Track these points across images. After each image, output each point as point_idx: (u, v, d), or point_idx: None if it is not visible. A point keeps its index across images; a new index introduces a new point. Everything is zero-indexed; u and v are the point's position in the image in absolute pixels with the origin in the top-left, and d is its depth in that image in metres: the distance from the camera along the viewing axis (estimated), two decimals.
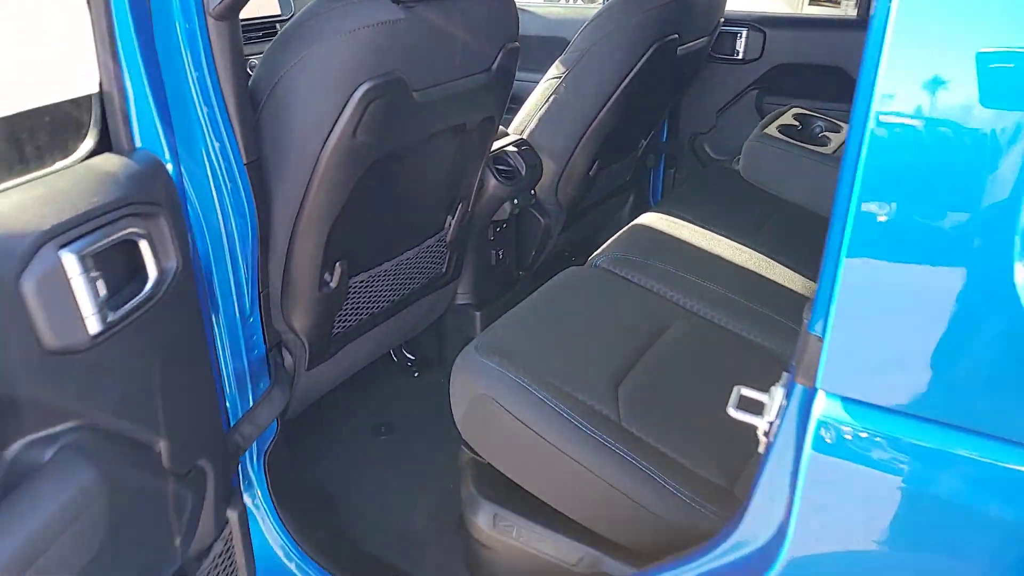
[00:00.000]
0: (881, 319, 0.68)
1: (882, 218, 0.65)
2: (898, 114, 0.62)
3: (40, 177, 0.91)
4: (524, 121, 2.27)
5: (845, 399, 0.72)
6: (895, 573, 0.75)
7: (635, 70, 2.13)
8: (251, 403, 1.38)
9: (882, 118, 0.63)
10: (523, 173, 2.12)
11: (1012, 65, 0.56)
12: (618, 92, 2.15)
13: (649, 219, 2.14)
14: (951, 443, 0.68)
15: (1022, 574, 0.67)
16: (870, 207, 0.65)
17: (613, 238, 2.04)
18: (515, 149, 2.14)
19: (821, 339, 0.71)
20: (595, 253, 1.96)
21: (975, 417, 0.67)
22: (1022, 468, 0.66)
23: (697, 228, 2.09)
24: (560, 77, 2.18)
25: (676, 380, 1.51)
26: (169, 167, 1.07)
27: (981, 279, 0.62)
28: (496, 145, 2.08)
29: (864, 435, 0.71)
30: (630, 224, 2.14)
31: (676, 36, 2.19)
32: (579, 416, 1.33)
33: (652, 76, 2.20)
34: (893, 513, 0.72)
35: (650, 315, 1.69)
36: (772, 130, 2.39)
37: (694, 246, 2.02)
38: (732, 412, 0.89)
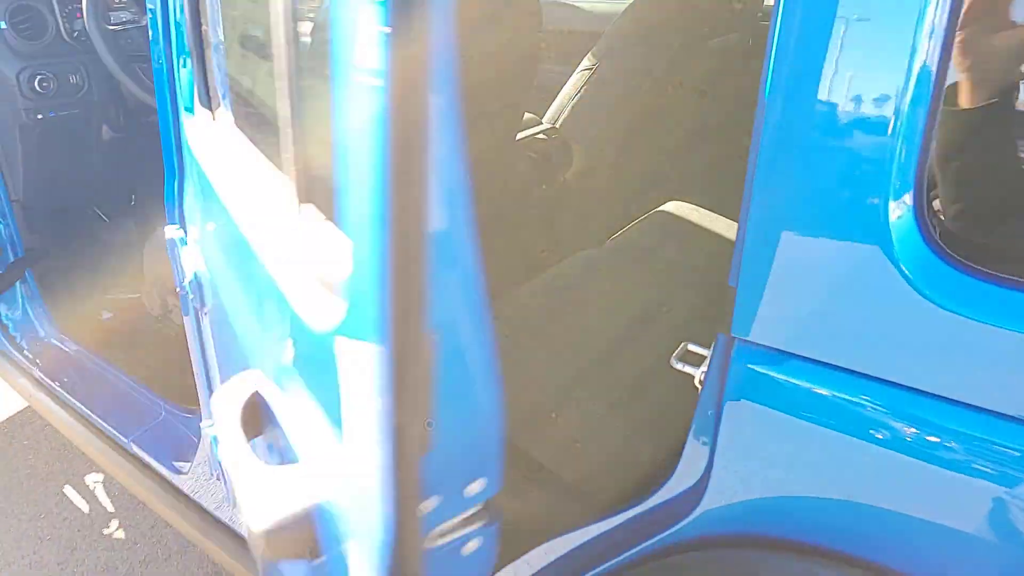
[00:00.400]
0: (780, 271, 0.75)
1: (775, 187, 0.72)
2: (785, 100, 0.70)
3: None
4: (557, 111, 2.36)
5: (755, 345, 0.80)
6: (808, 514, 0.81)
7: (664, 61, 2.19)
8: None
9: (771, 105, 0.71)
10: (553, 160, 2.21)
11: None
12: (648, 83, 2.22)
13: (672, 206, 2.20)
14: (848, 388, 0.75)
15: (917, 503, 0.73)
16: (764, 178, 0.72)
17: (634, 223, 2.12)
18: (545, 136, 2.23)
19: (735, 289, 0.79)
20: (613, 236, 2.03)
21: (868, 363, 0.73)
22: (906, 411, 0.72)
23: (717, 216, 2.15)
24: (592, 68, 2.27)
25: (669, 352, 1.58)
26: None
27: (856, 244, 0.68)
28: (527, 132, 2.18)
29: (770, 379, 0.79)
30: (653, 210, 2.21)
31: (706, 30, 2.24)
32: (574, 382, 1.43)
33: (683, 68, 2.26)
34: (800, 455, 0.79)
35: (655, 295, 1.76)
36: None
37: (711, 232, 2.07)
38: (674, 363, 0.97)
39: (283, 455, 0.75)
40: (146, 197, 2.76)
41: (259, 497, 0.69)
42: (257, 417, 0.79)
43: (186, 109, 1.29)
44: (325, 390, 0.65)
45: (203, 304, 1.30)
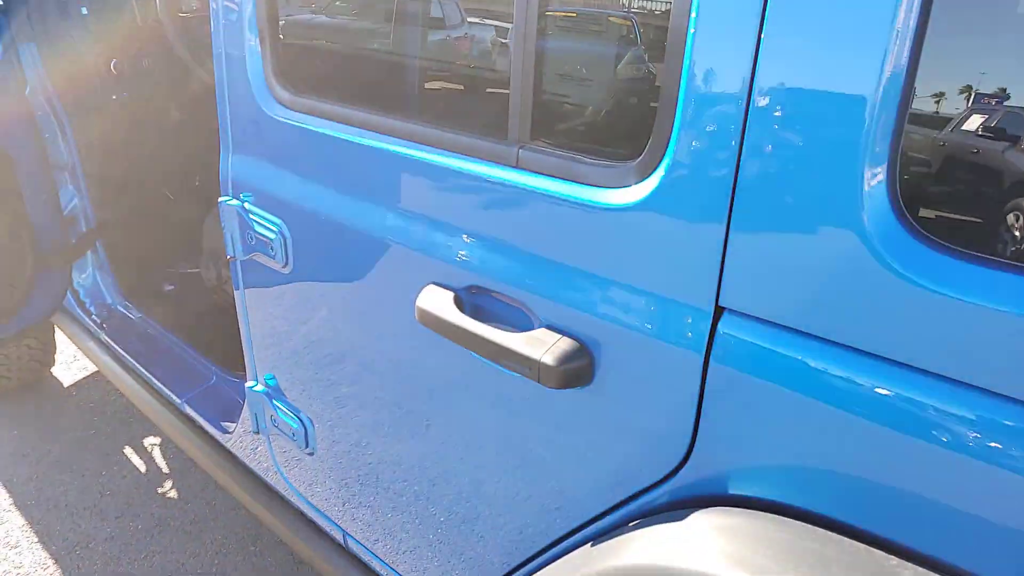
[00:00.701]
0: (761, 243, 0.79)
1: (759, 160, 0.77)
2: (773, 101, 0.75)
3: None
4: None
5: (738, 314, 0.84)
6: (785, 478, 0.85)
7: None
8: None
9: (759, 102, 0.76)
10: None
11: None
12: None
13: None
14: (818, 356, 0.79)
15: (885, 472, 0.77)
16: (749, 151, 0.77)
17: None
18: None
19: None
20: None
21: (841, 332, 0.77)
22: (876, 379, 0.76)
23: None
24: None
25: None
26: None
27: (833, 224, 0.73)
28: None
29: (751, 345, 0.83)
30: None
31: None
32: None
33: None
34: (777, 420, 0.83)
35: None
36: None
37: None
38: None
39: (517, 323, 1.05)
40: (209, 177, 2.91)
41: (536, 349, 0.97)
42: (477, 304, 1.10)
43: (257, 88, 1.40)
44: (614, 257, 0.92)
45: (287, 261, 1.43)
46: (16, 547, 2.32)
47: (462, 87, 1.27)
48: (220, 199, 1.52)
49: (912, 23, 0.68)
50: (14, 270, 2.17)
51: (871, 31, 0.69)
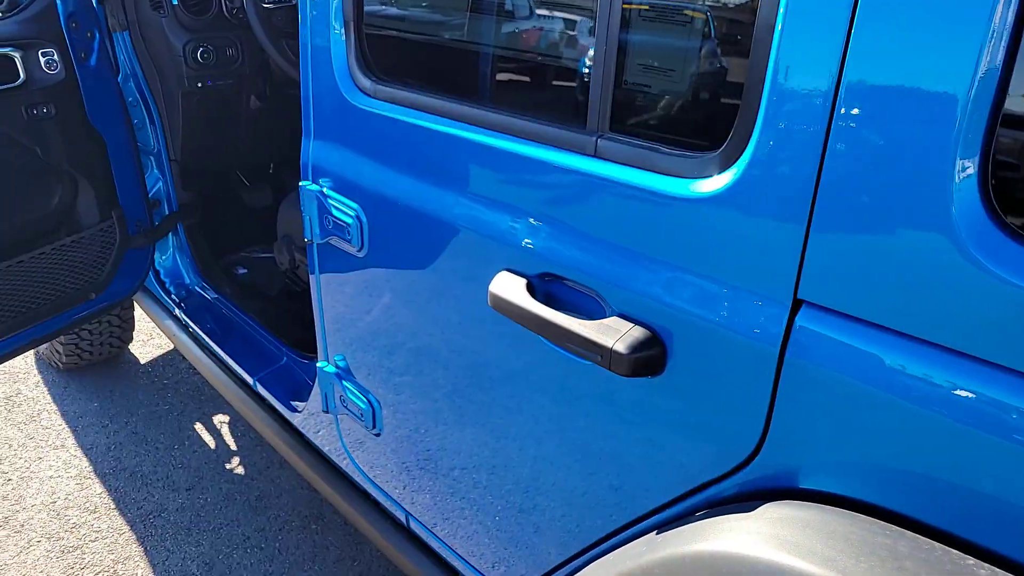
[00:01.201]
0: (843, 236, 0.79)
1: (844, 153, 0.76)
2: (861, 95, 0.74)
3: None
4: None
5: (817, 308, 0.84)
6: (856, 471, 0.84)
7: None
8: None
9: (842, 112, 0.76)
10: None
11: None
12: None
13: None
14: (900, 353, 0.78)
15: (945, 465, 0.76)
16: (832, 162, 0.77)
17: None
18: None
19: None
20: None
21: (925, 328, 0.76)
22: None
23: None
24: None
25: None
26: None
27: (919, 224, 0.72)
28: None
29: (830, 340, 0.82)
30: None
31: None
32: None
33: None
34: (854, 416, 0.82)
35: None
36: None
37: None
38: None
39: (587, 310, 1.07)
40: (282, 165, 3.00)
41: (608, 337, 0.98)
42: (549, 292, 1.13)
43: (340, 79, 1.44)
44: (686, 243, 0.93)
45: (363, 245, 1.47)
46: (95, 512, 2.44)
47: (542, 78, 1.29)
48: (300, 183, 1.57)
49: (1009, 18, 0.67)
50: (104, 248, 2.28)
51: (964, 27, 0.69)
